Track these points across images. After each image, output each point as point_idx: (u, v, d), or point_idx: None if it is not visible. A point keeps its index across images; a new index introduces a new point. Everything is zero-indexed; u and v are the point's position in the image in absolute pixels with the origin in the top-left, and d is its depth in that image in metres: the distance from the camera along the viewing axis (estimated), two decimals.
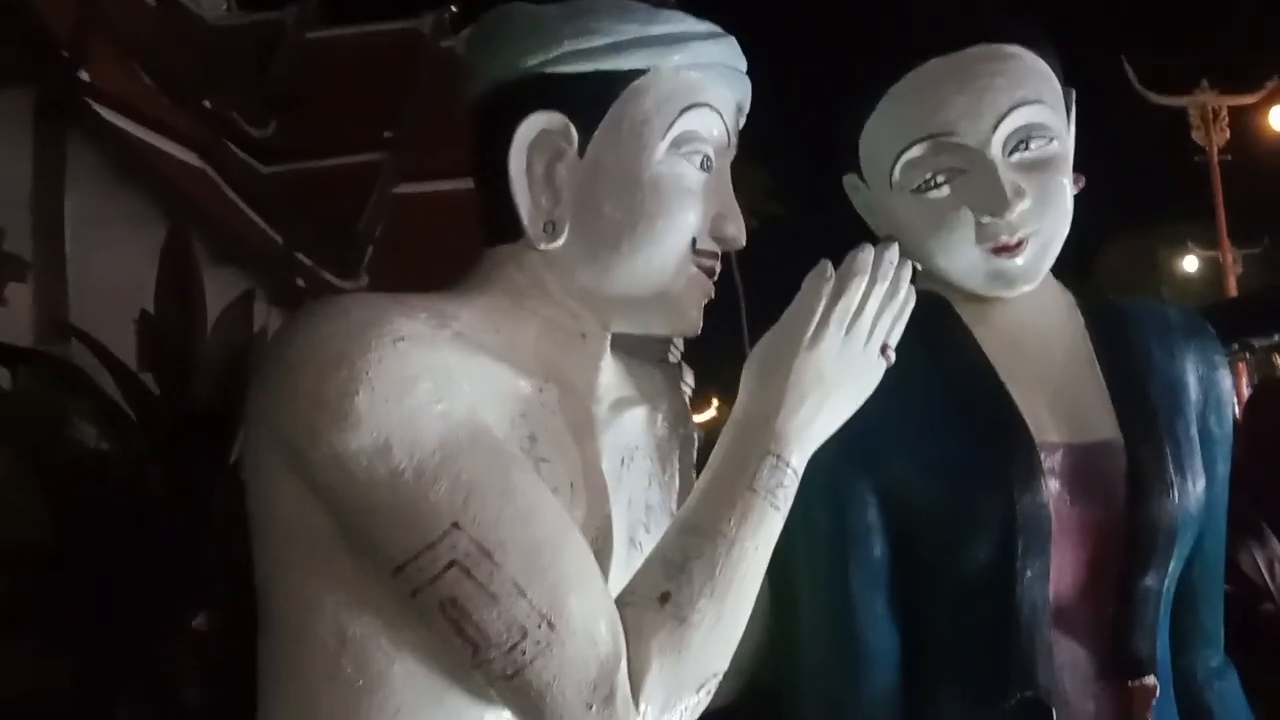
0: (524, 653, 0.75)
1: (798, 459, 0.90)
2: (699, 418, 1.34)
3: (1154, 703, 1.02)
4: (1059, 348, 1.11)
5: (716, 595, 0.83)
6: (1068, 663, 1.03)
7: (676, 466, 1.07)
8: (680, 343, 1.18)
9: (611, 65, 0.92)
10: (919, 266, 1.01)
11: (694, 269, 0.95)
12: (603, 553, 0.88)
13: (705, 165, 0.95)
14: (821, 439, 0.93)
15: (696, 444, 1.13)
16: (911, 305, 0.98)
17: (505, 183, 0.92)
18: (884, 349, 0.96)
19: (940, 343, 1.08)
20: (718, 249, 0.96)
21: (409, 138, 14.88)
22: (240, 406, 1.48)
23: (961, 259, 1.07)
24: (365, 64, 15.59)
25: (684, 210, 0.92)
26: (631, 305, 0.95)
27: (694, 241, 0.94)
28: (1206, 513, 1.09)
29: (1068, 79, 1.12)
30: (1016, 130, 1.04)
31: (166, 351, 1.37)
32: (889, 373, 0.96)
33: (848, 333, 0.93)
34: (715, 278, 0.98)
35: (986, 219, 1.04)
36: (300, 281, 12.00)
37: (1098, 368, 1.10)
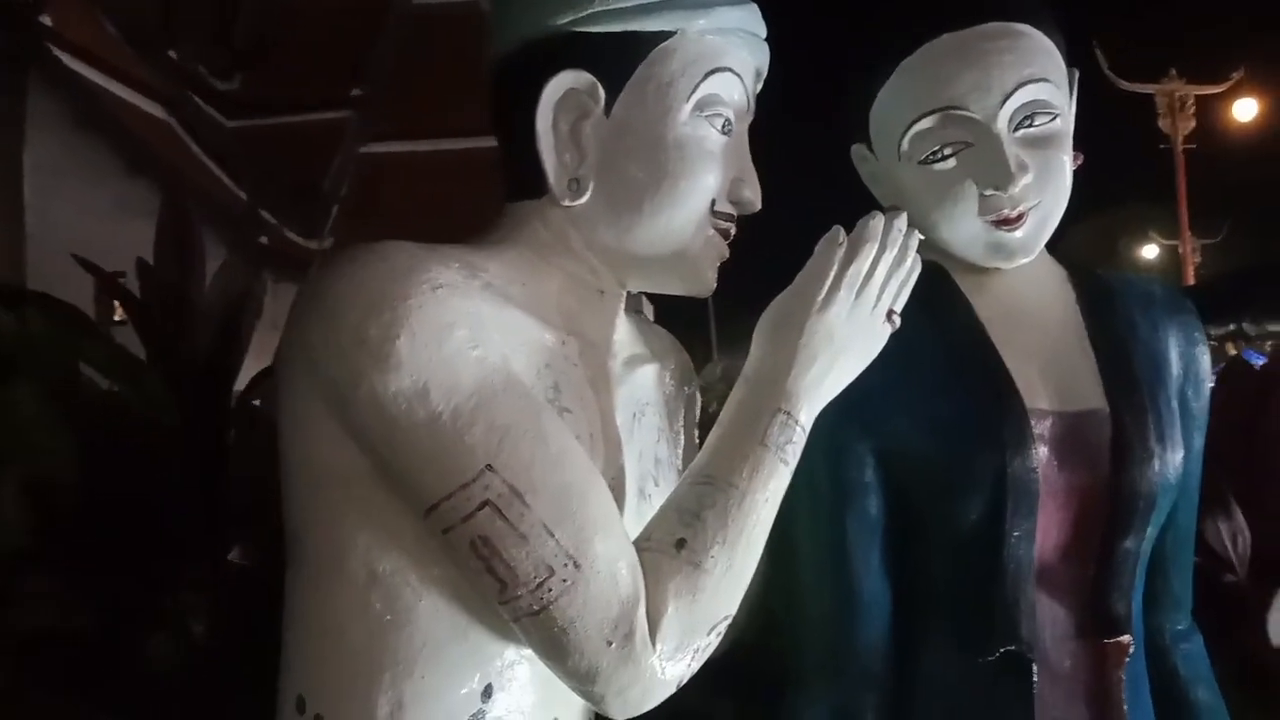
0: (550, 590, 0.79)
1: (806, 416, 0.94)
2: None
3: (1127, 660, 1.08)
4: (1051, 319, 1.16)
5: (729, 543, 0.86)
6: (1048, 620, 1.08)
7: (682, 423, 1.11)
8: (649, 312, 1.21)
9: (639, 26, 0.94)
10: (922, 236, 1.05)
11: (711, 230, 0.97)
12: (617, 502, 0.91)
13: (726, 129, 0.98)
14: (829, 398, 0.96)
15: (699, 403, 1.17)
16: (917, 272, 1.02)
17: (531, 139, 0.94)
18: (890, 314, 1.00)
19: (939, 310, 1.12)
20: (734, 212, 0.99)
21: (378, 96, 14.72)
22: (238, 355, 1.51)
23: (964, 230, 1.10)
24: (334, 19, 15.36)
25: (705, 172, 0.95)
26: (650, 264, 0.97)
27: (712, 204, 0.96)
28: (1182, 483, 1.14)
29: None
30: (1022, 106, 1.07)
31: (168, 300, 1.37)
32: (890, 337, 1.00)
33: (857, 297, 0.96)
34: (730, 240, 1.01)
35: (990, 192, 1.07)
36: (264, 239, 11.89)
37: (1087, 340, 1.14)
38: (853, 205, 1.15)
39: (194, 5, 14.84)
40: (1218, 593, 1.49)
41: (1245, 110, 19.21)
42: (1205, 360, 1.22)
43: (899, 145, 1.11)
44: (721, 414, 0.95)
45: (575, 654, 0.80)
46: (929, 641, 1.09)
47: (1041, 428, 1.08)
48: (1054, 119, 1.09)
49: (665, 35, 0.95)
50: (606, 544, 0.81)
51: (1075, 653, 1.08)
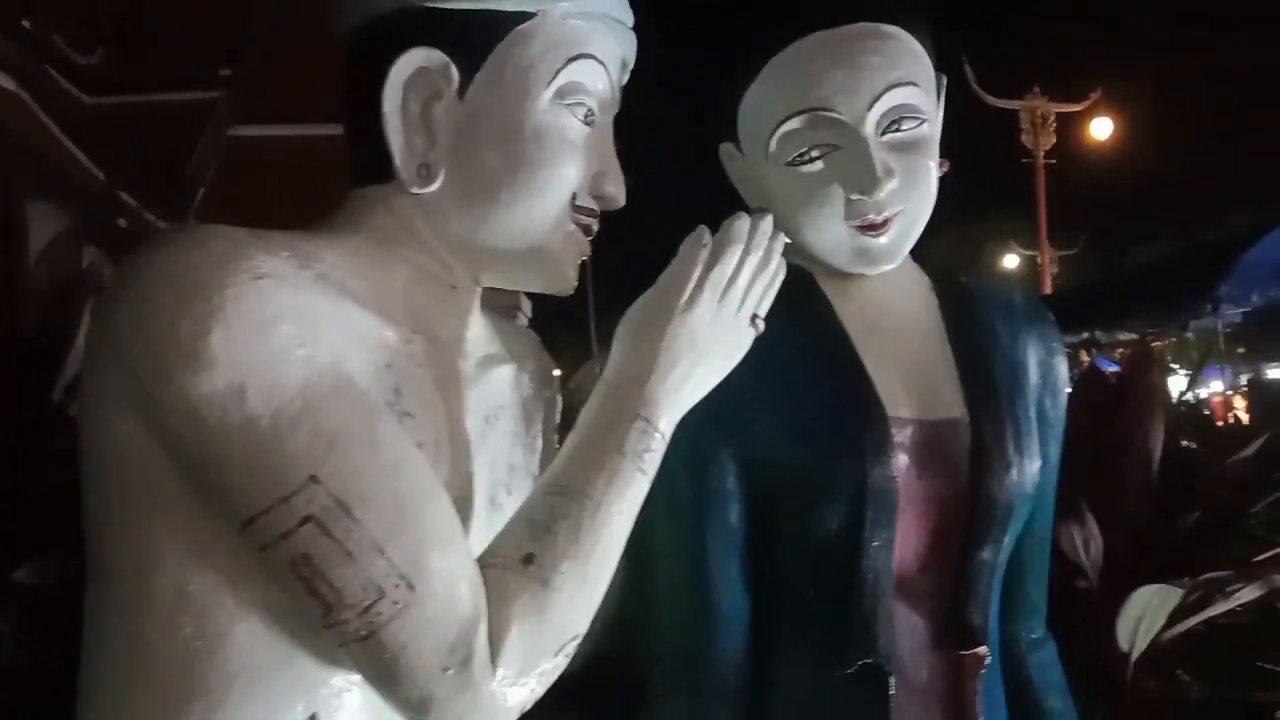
0: (380, 613, 0.72)
1: (666, 423, 0.90)
2: None
3: (983, 672, 1.07)
4: (914, 327, 1.15)
5: (580, 558, 0.81)
6: (906, 631, 1.06)
7: (539, 428, 1.06)
8: (528, 309, 1.16)
9: (497, 5, 0.89)
10: (788, 239, 1.02)
11: (572, 226, 0.93)
12: (464, 513, 0.86)
13: (588, 119, 0.93)
14: (690, 404, 0.93)
15: (559, 407, 1.12)
16: (782, 276, 0.99)
17: (378, 120, 0.87)
18: (754, 318, 0.96)
19: (802, 315, 1.10)
20: (596, 207, 0.95)
21: (248, 77, 14.22)
22: (65, 344, 1.39)
23: (829, 234, 1.08)
24: None
25: (565, 163, 0.90)
26: (505, 258, 0.92)
27: (573, 197, 0.92)
28: (1039, 491, 1.15)
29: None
30: (890, 110, 1.05)
31: None
32: (753, 342, 0.97)
33: (721, 300, 0.93)
34: (592, 236, 0.96)
35: (856, 196, 1.05)
36: (122, 221, 11.34)
37: (949, 348, 1.14)
38: (731, 203, 1.12)
39: None
40: (1069, 598, 1.51)
41: (1102, 129, 20.15)
42: (1063, 369, 1.23)
43: (766, 145, 1.08)
44: (579, 420, 0.90)
45: (408, 682, 0.74)
46: (785, 653, 1.06)
47: (902, 436, 1.07)
48: (921, 124, 1.08)
49: (525, 16, 0.90)
50: (445, 560, 0.75)
51: (932, 664, 1.07)
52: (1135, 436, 1.79)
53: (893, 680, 1.03)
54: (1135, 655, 1.65)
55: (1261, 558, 1.81)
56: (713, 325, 0.92)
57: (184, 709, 0.74)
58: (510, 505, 0.93)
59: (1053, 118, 19.39)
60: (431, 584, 0.74)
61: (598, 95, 0.94)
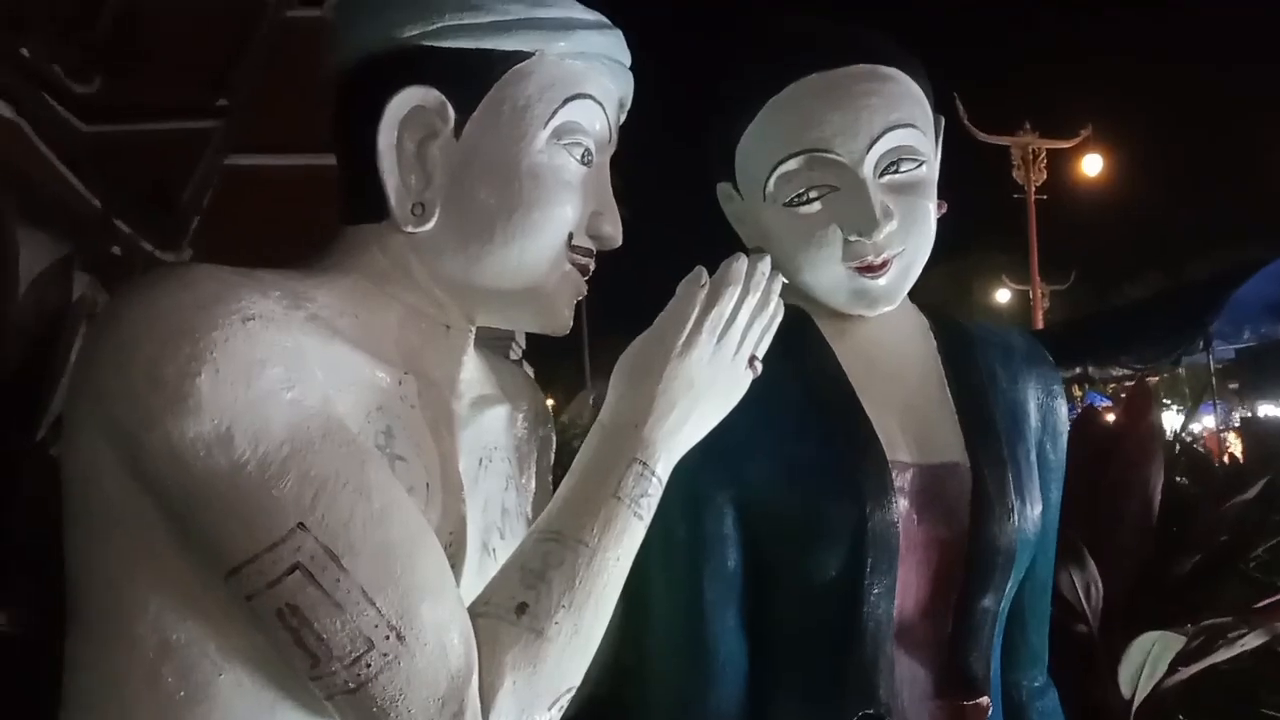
0: (369, 665, 0.70)
1: (663, 467, 0.88)
2: None
3: None
4: (912, 369, 1.13)
5: (575, 607, 0.79)
6: (907, 680, 1.04)
7: (534, 469, 1.04)
8: (522, 340, 1.14)
9: (494, 44, 0.88)
10: (785, 280, 1.01)
11: (568, 266, 0.91)
12: (456, 558, 0.84)
13: (585, 159, 0.92)
14: (687, 447, 0.91)
15: (554, 446, 1.10)
16: (780, 317, 0.98)
17: (372, 158, 0.86)
18: (752, 360, 0.95)
19: (801, 357, 1.08)
20: (593, 247, 0.93)
21: (244, 107, 14.23)
22: (52, 377, 1.36)
23: (827, 275, 1.07)
24: (201, 27, 14.82)
25: (562, 203, 0.89)
26: (501, 299, 0.91)
27: (570, 237, 0.90)
28: (1040, 536, 1.13)
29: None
30: (889, 152, 1.05)
31: None
32: (751, 384, 0.96)
33: (719, 341, 0.92)
34: (588, 276, 0.95)
35: (854, 237, 1.04)
36: (117, 250, 11.30)
37: (947, 390, 1.12)
38: (727, 239, 1.11)
39: (49, 3, 14.12)
40: (1068, 643, 1.49)
41: (1092, 165, 20.32)
42: (1063, 412, 1.22)
43: (764, 186, 1.07)
44: (574, 463, 0.88)
45: None
46: (782, 701, 1.04)
47: (902, 480, 1.05)
48: (920, 165, 1.07)
49: (522, 56, 0.89)
50: (435, 610, 0.73)
51: (933, 713, 1.05)
52: (1134, 479, 1.78)
53: None
54: (1137, 702, 1.63)
55: (1263, 604, 1.79)
56: (710, 367, 0.91)
57: None
58: (503, 549, 0.91)
59: (1044, 154, 19.57)
60: (422, 635, 0.72)
61: (595, 135, 0.93)
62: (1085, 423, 1.92)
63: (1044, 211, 19.47)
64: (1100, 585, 1.69)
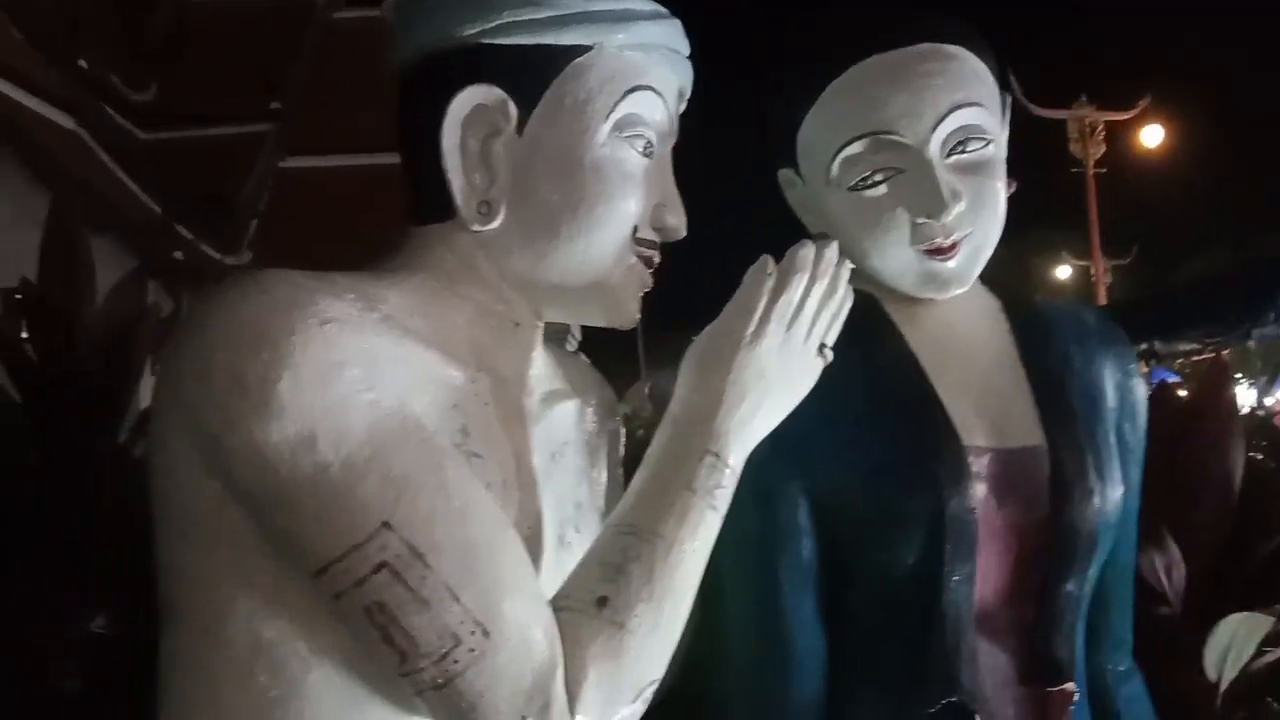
0: (456, 661, 0.71)
1: (736, 458, 0.87)
2: None
3: (1071, 708, 1.03)
4: (986, 352, 1.11)
5: (655, 599, 0.79)
6: (989, 667, 1.03)
7: (604, 463, 1.04)
8: (578, 332, 1.14)
9: (554, 39, 0.87)
10: (853, 266, 1.00)
11: (633, 259, 0.91)
12: (533, 553, 0.84)
13: (647, 151, 0.91)
14: (759, 438, 0.90)
15: (622, 439, 1.10)
16: (849, 304, 0.96)
17: (437, 159, 0.86)
18: (822, 347, 0.94)
19: (870, 343, 1.07)
20: (657, 239, 0.93)
21: (296, 109, 14.41)
22: (130, 383, 1.39)
23: (895, 259, 1.05)
24: (252, 31, 14.99)
25: (625, 197, 0.89)
26: (567, 294, 0.90)
27: (634, 230, 0.90)
28: (1122, 518, 1.11)
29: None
30: (955, 131, 1.03)
31: (51, 322, 1.26)
32: (820, 373, 0.95)
33: (788, 330, 0.90)
34: (653, 268, 0.94)
35: (922, 220, 1.03)
36: (179, 254, 11.51)
37: (1022, 372, 1.10)
38: (787, 228, 1.09)
39: (104, 13, 14.38)
40: (1152, 626, 1.46)
41: (1152, 136, 19.86)
42: (1141, 392, 1.19)
43: (828, 171, 1.05)
44: (646, 456, 0.88)
45: None
46: (861, 693, 1.03)
47: (979, 465, 1.03)
48: (987, 144, 1.05)
49: (581, 50, 0.88)
50: (518, 606, 0.73)
51: (1018, 700, 1.03)
52: (1213, 456, 1.73)
53: (978, 718, 0.99)
54: (1224, 685, 1.59)
55: None
56: (780, 356, 0.90)
57: None
58: (578, 543, 0.91)
59: (1101, 126, 19.14)
60: (506, 630, 0.72)
61: (656, 126, 0.92)
62: (1160, 400, 1.87)
63: (1103, 185, 19.08)
64: (1182, 566, 1.65)
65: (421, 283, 0.87)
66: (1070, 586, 1.04)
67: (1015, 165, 1.12)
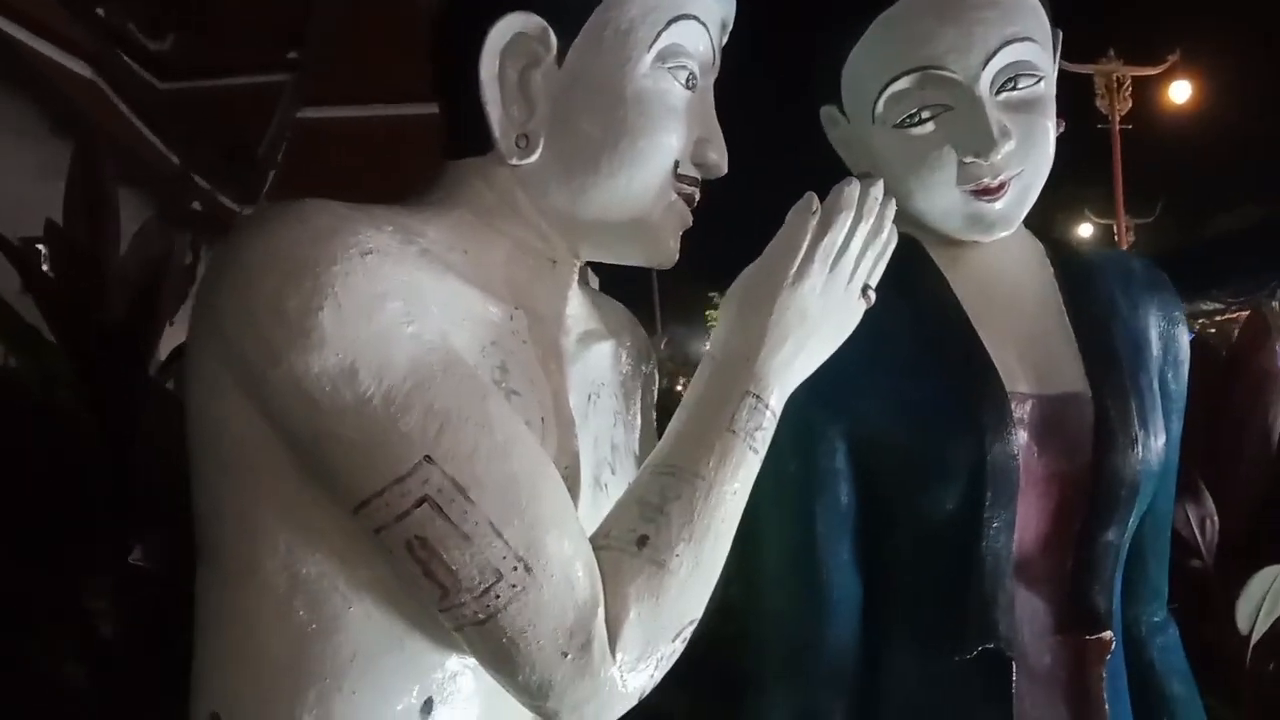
0: (498, 596, 0.70)
1: (776, 400, 0.86)
2: None
3: (1109, 657, 1.02)
4: (1030, 297, 1.09)
5: (695, 539, 0.78)
6: (1026, 615, 1.01)
7: (639, 405, 1.02)
8: (594, 283, 1.12)
9: None
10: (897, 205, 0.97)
11: (674, 195, 0.89)
12: (571, 493, 0.83)
13: (690, 83, 0.89)
14: (800, 379, 0.89)
15: (656, 383, 1.08)
16: (894, 244, 0.94)
17: (475, 90, 0.84)
18: (865, 289, 0.92)
19: (913, 286, 1.05)
20: (698, 175, 0.91)
21: (315, 59, 14.33)
22: (158, 324, 1.39)
23: (941, 199, 1.03)
24: None
25: (668, 130, 0.86)
26: (607, 231, 0.88)
27: (676, 165, 0.88)
28: (1163, 469, 1.09)
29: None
30: (1006, 68, 1.00)
31: (78, 265, 1.25)
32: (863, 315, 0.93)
33: (832, 270, 0.88)
34: (694, 206, 0.92)
35: (970, 159, 1.00)
36: (197, 205, 11.52)
37: (1066, 319, 1.08)
38: (820, 169, 1.07)
39: None
40: (1183, 579, 1.45)
41: (1180, 92, 19.53)
42: (1185, 340, 1.17)
43: (873, 107, 1.03)
44: (686, 396, 0.87)
45: (526, 666, 0.71)
46: (897, 638, 1.02)
47: (1021, 411, 1.01)
48: (1038, 82, 1.02)
49: None
50: (561, 543, 0.72)
51: (1055, 649, 1.02)
52: (1253, 412, 1.70)
53: (1015, 666, 0.98)
54: (1255, 639, 1.58)
55: None
56: (823, 297, 0.88)
57: (300, 694, 0.72)
58: (614, 485, 0.90)
59: (1128, 82, 18.83)
60: (548, 567, 0.71)
61: (699, 58, 0.89)
62: (1199, 353, 1.85)
63: (1129, 142, 18.80)
64: (1216, 519, 1.63)
65: (459, 218, 0.85)
66: (1110, 535, 1.02)
67: None
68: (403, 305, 0.71)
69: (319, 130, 14.10)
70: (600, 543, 0.77)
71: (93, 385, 1.18)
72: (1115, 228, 19.27)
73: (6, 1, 11.29)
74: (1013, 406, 1.00)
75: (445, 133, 0.90)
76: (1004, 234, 1.05)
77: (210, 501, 0.75)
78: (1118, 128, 18.52)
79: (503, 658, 0.71)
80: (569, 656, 0.71)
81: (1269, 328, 1.79)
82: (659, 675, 0.77)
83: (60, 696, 1.04)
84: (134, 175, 11.11)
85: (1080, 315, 1.08)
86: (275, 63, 14.14)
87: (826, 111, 1.11)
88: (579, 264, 0.93)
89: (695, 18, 0.88)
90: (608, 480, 0.91)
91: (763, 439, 0.84)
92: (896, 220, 0.97)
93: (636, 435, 1.00)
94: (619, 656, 0.74)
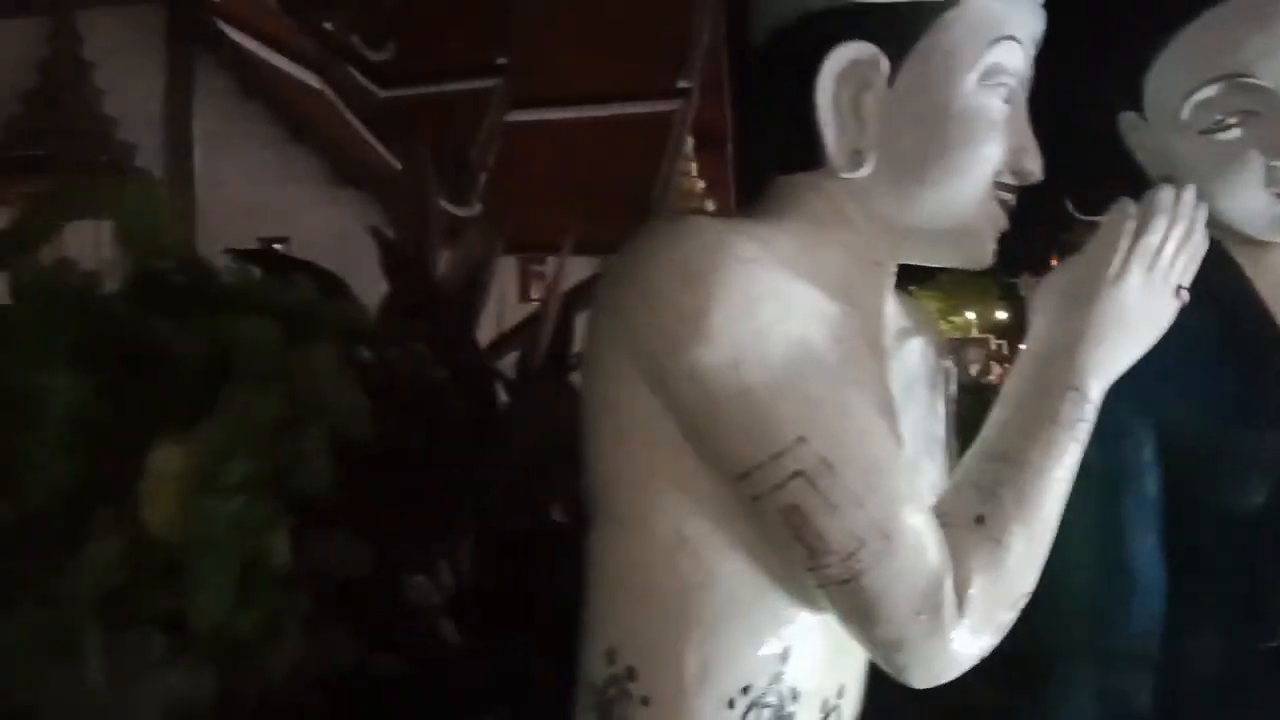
0: (860, 561, 0.80)
1: (1096, 393, 0.92)
2: None
3: None
4: None
5: (1025, 520, 0.86)
6: None
7: (942, 397, 1.10)
8: None
9: None
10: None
11: (993, 202, 0.96)
12: None
13: (1008, 98, 0.95)
14: (1117, 374, 0.94)
15: (954, 377, 1.16)
16: (1205, 247, 0.98)
17: (808, 112, 0.93)
18: (1179, 289, 0.96)
19: (1216, 285, 1.07)
20: (1015, 183, 0.97)
21: (521, 64, 14.87)
22: (477, 317, 1.56)
23: (1247, 202, 1.06)
24: None
25: (989, 143, 0.93)
26: (930, 236, 0.96)
27: (995, 175, 0.95)
28: None
29: None
30: None
31: (412, 273, 1.43)
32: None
33: (1149, 271, 0.94)
34: (1010, 211, 0.99)
35: (1277, 163, 1.03)
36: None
37: None
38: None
39: None
40: None
41: None
42: None
43: (1177, 114, 1.07)
44: (1008, 386, 0.94)
45: (884, 624, 0.81)
46: (1200, 626, 1.06)
47: None
48: None
49: (949, 3, 0.93)
50: (914, 517, 0.82)
51: None
52: None
53: None
54: None
55: None
56: (1141, 297, 0.93)
57: (685, 637, 0.84)
58: (929, 471, 0.98)
59: None
60: (905, 537, 0.80)
61: (1016, 74, 0.96)
62: None
63: None
64: None
65: (796, 227, 0.95)
66: None
67: None
68: (775, 306, 0.82)
69: (525, 132, 14.63)
70: (941, 520, 0.86)
71: (452, 369, 1.36)
72: None
73: (246, 20, 12.23)
74: None
75: (773, 150, 1.00)
76: None
77: (608, 471, 0.88)
78: None
79: (862, 614, 0.81)
80: (922, 617, 0.81)
81: None
82: (994, 641, 0.85)
83: (433, 637, 1.22)
84: (359, 179, 11.87)
85: None
86: (485, 68, 14.76)
87: (1126, 117, 1.15)
88: (895, 266, 1.02)
89: (1014, 38, 0.95)
90: (925, 466, 0.99)
91: (1084, 430, 0.91)
92: None
93: (943, 425, 1.08)
94: (965, 621, 0.82)
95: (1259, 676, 1.02)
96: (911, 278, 1.10)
